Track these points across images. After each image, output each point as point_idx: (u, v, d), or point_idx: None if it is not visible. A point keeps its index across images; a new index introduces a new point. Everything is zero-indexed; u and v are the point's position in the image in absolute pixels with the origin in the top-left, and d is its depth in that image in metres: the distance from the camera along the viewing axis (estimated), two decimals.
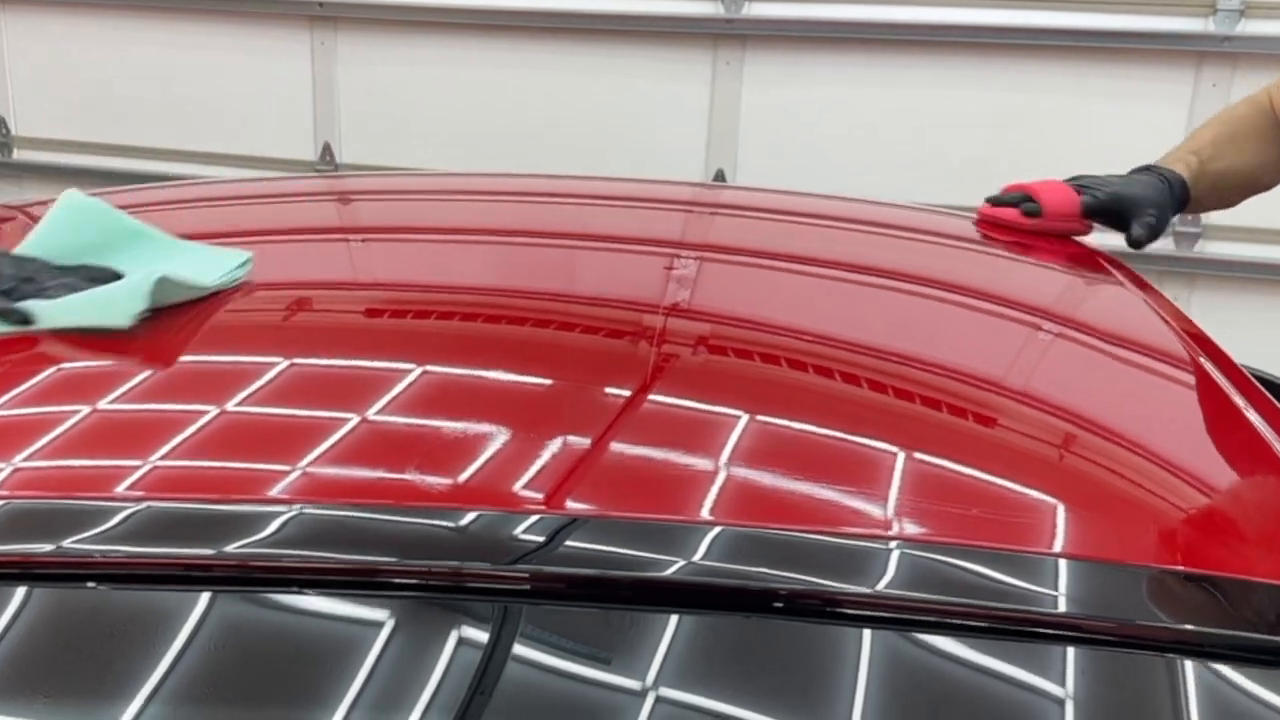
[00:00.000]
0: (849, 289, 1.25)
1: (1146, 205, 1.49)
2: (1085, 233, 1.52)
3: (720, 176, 3.02)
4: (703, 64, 3.00)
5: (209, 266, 1.04)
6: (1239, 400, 0.97)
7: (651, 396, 0.87)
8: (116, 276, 1.02)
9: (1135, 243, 1.49)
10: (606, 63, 3.07)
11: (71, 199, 1.12)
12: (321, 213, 1.52)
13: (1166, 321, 1.17)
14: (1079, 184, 1.52)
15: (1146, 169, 1.57)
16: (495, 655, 0.62)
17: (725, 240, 1.43)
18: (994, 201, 1.53)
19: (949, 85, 2.88)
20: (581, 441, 0.79)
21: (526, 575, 0.66)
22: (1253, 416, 0.94)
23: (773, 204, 1.63)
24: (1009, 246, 1.45)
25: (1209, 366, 1.04)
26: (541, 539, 0.68)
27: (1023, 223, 1.48)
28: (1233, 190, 1.61)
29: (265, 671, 0.63)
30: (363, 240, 1.37)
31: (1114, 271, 1.35)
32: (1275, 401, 0.99)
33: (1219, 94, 2.71)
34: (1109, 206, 1.50)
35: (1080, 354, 1.11)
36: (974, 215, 1.56)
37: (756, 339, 1.04)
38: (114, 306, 0.94)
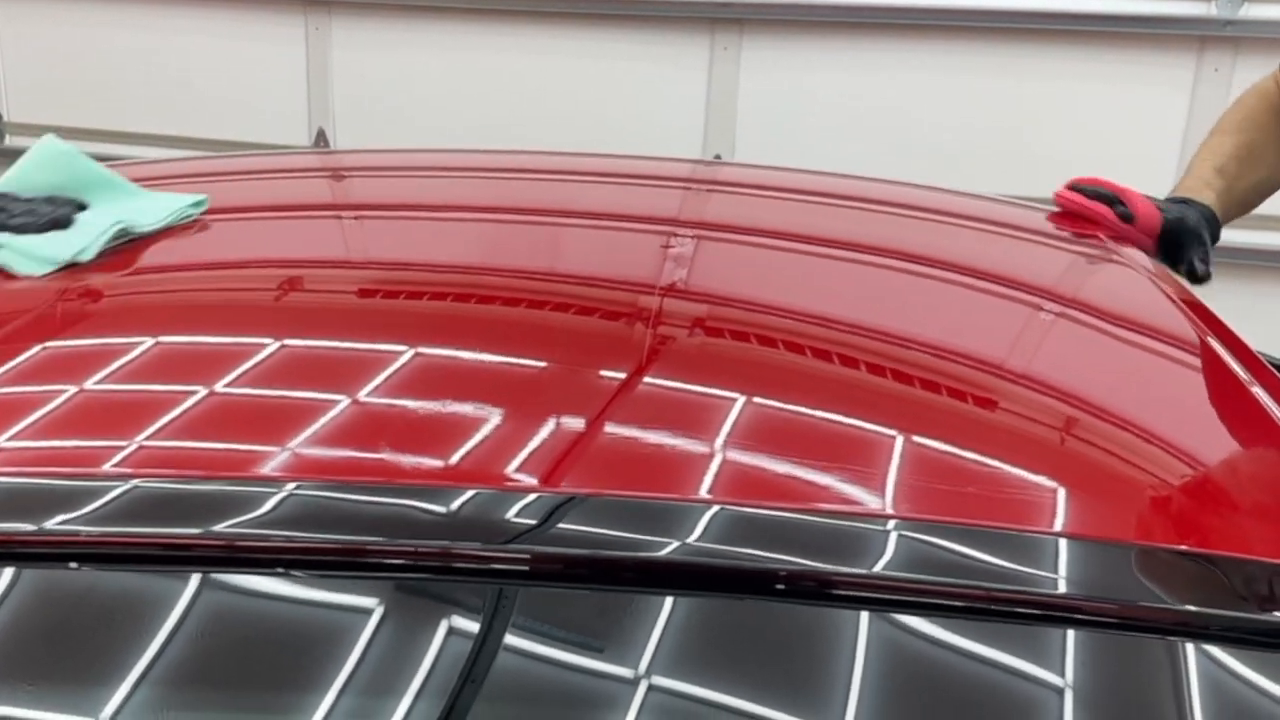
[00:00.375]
0: (847, 268, 1.23)
1: (1200, 239, 1.46)
2: (1150, 250, 1.45)
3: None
4: (700, 49, 2.98)
5: (162, 208, 1.16)
6: (1251, 382, 0.96)
7: (648, 376, 0.86)
8: (81, 207, 1.14)
9: (1201, 279, 1.44)
10: (604, 48, 3.05)
11: (46, 144, 1.26)
12: (310, 189, 1.51)
13: (1175, 303, 1.15)
14: (1153, 200, 1.47)
15: (1183, 200, 1.52)
16: (489, 637, 0.61)
17: (723, 218, 1.41)
18: (1084, 192, 1.46)
19: (947, 70, 2.87)
20: (577, 421, 0.78)
21: (520, 556, 0.64)
22: (1266, 400, 0.93)
23: (776, 181, 1.61)
24: (1010, 227, 1.43)
25: (1223, 351, 1.02)
26: (535, 519, 0.66)
27: (1115, 225, 1.42)
28: (1255, 201, 1.58)
29: (254, 653, 0.62)
30: (354, 217, 1.35)
31: (1122, 255, 1.33)
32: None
33: (1221, 79, 2.70)
34: (1177, 233, 1.46)
35: (1091, 337, 1.09)
36: (977, 194, 1.52)
37: (755, 320, 1.02)
38: (68, 245, 1.06)
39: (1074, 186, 1.47)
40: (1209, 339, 1.04)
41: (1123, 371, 0.99)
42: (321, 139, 3.25)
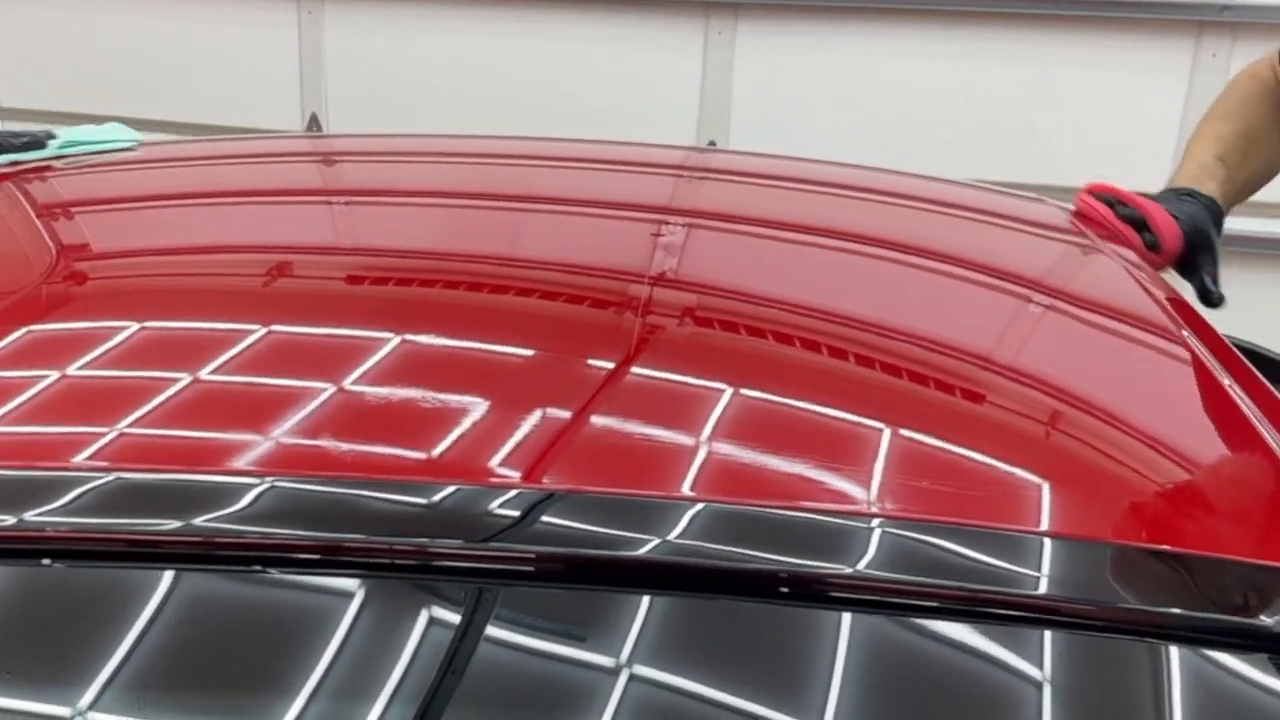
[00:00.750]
0: (839, 259, 1.22)
1: (1211, 247, 1.40)
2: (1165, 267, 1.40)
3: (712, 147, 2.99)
4: (694, 33, 2.96)
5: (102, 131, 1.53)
6: (1220, 373, 0.95)
7: (636, 368, 0.84)
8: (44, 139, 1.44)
9: (1214, 303, 1.38)
10: (597, 32, 3.04)
11: None
12: (294, 174, 1.49)
13: (1146, 289, 1.14)
14: (1169, 208, 1.40)
15: (1189, 194, 1.45)
16: (468, 636, 0.60)
17: (716, 207, 1.40)
18: (1109, 204, 1.39)
19: (944, 56, 2.85)
20: (563, 414, 0.77)
21: (502, 555, 0.63)
22: (1234, 391, 0.91)
23: (770, 169, 1.60)
24: (991, 213, 1.41)
25: (1191, 338, 1.01)
26: (518, 514, 0.66)
27: (1140, 252, 1.35)
28: (1254, 188, 1.54)
29: (232, 649, 0.61)
30: (338, 203, 1.34)
31: (1093, 238, 1.32)
32: (1258, 374, 0.97)
33: (1219, 64, 2.68)
34: (1191, 244, 1.39)
35: (1063, 326, 1.08)
36: (965, 183, 1.50)
37: (744, 310, 1.01)
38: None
39: (1094, 194, 1.41)
40: (1184, 331, 1.03)
41: (1098, 367, 0.97)
42: (314, 124, 3.23)
